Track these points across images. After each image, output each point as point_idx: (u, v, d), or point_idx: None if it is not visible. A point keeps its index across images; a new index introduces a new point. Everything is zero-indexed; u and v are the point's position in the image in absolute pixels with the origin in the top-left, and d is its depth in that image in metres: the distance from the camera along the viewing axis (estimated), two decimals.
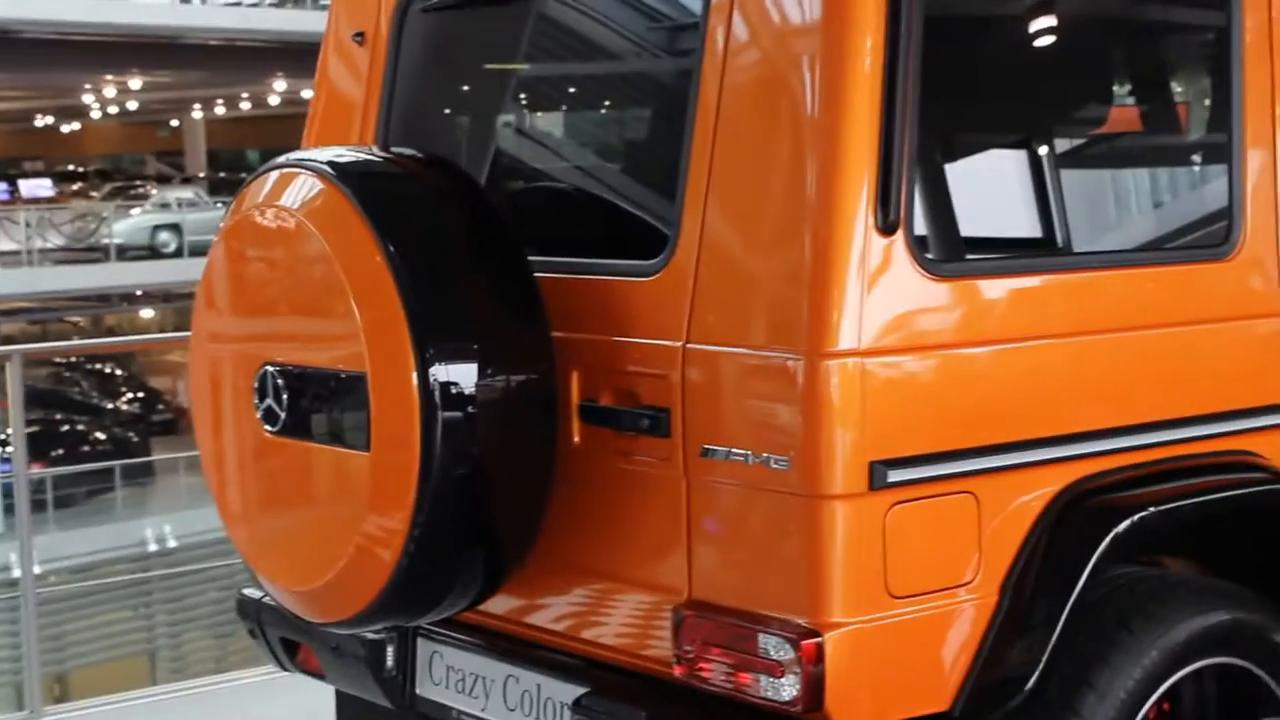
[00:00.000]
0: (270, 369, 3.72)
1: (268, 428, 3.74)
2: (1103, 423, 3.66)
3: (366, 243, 3.49)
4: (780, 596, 3.35)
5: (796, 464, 3.29)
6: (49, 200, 37.62)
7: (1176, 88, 4.48)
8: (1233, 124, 3.94)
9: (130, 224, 33.70)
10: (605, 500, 3.69)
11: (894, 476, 3.32)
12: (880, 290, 3.33)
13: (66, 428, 30.04)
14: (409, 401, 3.42)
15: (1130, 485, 3.67)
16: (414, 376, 3.42)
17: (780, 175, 3.39)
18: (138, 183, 45.86)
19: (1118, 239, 4.14)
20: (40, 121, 60.04)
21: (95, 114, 55.55)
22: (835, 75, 3.33)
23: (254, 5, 34.88)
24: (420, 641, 4.16)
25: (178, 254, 32.70)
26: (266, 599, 4.28)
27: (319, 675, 4.37)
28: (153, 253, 33.16)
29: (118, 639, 20.09)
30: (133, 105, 51.81)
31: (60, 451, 28.08)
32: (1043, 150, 3.96)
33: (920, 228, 3.43)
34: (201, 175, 49.01)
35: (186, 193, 37.18)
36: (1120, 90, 4.40)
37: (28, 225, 30.38)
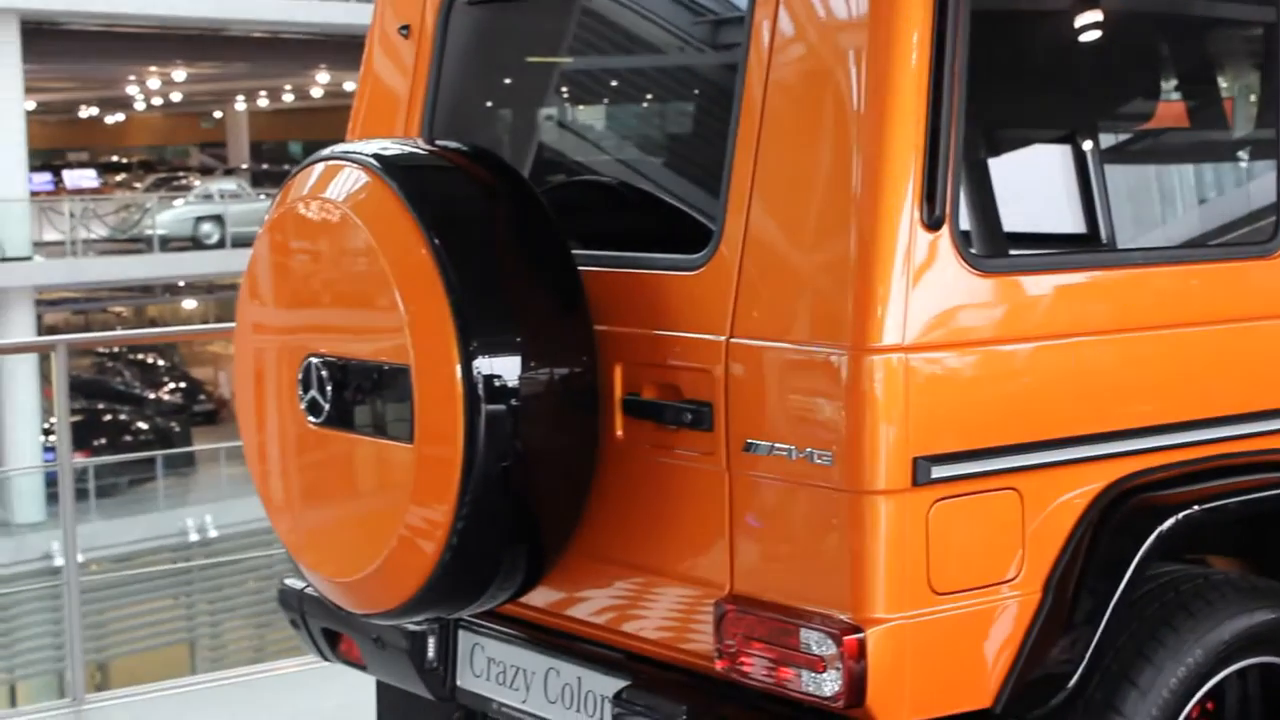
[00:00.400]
0: (315, 360, 3.73)
1: (311, 419, 3.76)
2: (1147, 420, 3.64)
3: (412, 235, 3.50)
4: (823, 592, 3.35)
5: (840, 459, 3.29)
6: (93, 191, 37.78)
7: (1223, 84, 4.45)
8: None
9: (173, 215, 33.81)
10: (647, 494, 3.69)
11: (937, 472, 3.32)
12: (925, 286, 3.32)
13: (109, 417, 30.24)
14: (453, 394, 3.43)
15: (1175, 483, 3.65)
16: (458, 369, 3.42)
17: (826, 170, 3.38)
18: (181, 174, 46.01)
19: (1163, 235, 4.12)
20: (85, 113, 60.30)
21: (139, 105, 55.74)
22: (882, 70, 3.32)
23: None
24: (462, 633, 4.17)
25: (220, 245, 32.80)
26: (309, 589, 4.30)
27: (360, 666, 4.38)
28: (195, 244, 33.27)
29: (158, 628, 20.22)
30: (176, 97, 51.96)
31: (102, 441, 28.25)
32: (1087, 146, 3.94)
33: (965, 223, 3.42)
34: (244, 167, 49.16)
35: (229, 184, 37.27)
36: (1166, 86, 4.38)
37: (72, 216, 30.50)
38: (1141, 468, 3.62)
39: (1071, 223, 3.87)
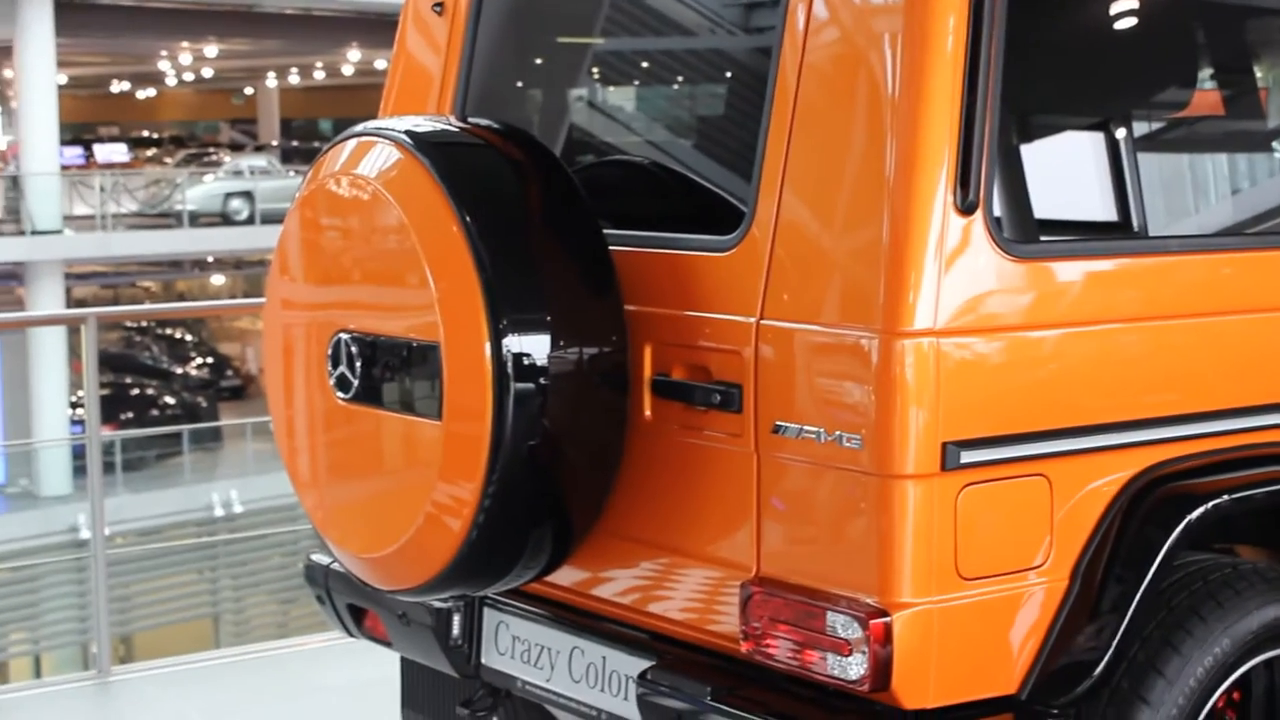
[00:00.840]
0: (344, 337, 3.73)
1: (340, 395, 3.76)
2: (1178, 408, 3.63)
3: (443, 212, 3.50)
4: (849, 575, 3.35)
5: (869, 443, 3.29)
6: (123, 165, 37.91)
7: (1259, 73, 4.43)
8: None
9: (203, 190, 33.91)
10: (674, 475, 3.69)
11: (967, 457, 3.31)
12: (957, 270, 3.31)
13: (136, 391, 30.36)
14: (482, 372, 3.43)
15: (1204, 472, 3.64)
16: (487, 347, 3.43)
17: (859, 153, 3.37)
18: (211, 150, 46.16)
19: (1195, 224, 4.11)
20: (116, 87, 60.48)
21: (170, 81, 55.87)
22: (917, 55, 3.31)
23: None
24: (487, 611, 4.17)
25: (249, 221, 32.89)
26: (335, 565, 4.30)
27: (385, 642, 4.39)
28: (224, 219, 33.38)
29: (182, 602, 20.31)
30: (208, 73, 52.10)
31: (130, 415, 28.36)
32: (1121, 133, 3.93)
33: (998, 208, 3.41)
34: (274, 143, 49.27)
35: (259, 160, 37.34)
36: (1201, 74, 4.36)
37: (102, 190, 30.61)
38: (1171, 456, 3.61)
39: (1104, 209, 3.86)
